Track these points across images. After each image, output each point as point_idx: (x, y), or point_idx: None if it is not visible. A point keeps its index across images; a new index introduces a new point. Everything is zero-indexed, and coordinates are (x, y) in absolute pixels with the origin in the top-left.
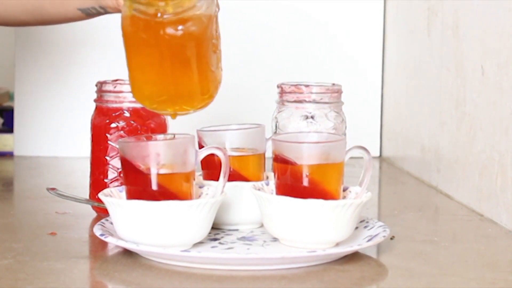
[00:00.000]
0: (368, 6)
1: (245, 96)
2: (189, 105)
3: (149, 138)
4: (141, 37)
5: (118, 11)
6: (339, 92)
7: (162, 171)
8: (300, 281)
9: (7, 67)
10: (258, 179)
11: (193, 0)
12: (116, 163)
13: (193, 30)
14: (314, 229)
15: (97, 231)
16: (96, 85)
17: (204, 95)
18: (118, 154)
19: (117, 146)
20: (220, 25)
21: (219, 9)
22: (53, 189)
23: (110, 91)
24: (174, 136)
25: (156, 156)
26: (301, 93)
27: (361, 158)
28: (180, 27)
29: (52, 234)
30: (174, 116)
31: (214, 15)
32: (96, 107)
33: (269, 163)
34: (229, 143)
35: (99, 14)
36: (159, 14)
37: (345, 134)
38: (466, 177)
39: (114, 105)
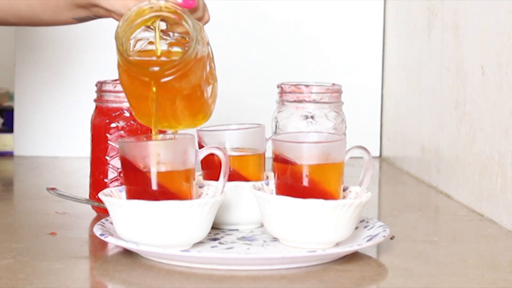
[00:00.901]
0: (368, 6)
1: (245, 96)
2: (189, 127)
3: (149, 138)
4: (136, 87)
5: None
6: (339, 92)
7: (162, 171)
8: (300, 281)
9: (7, 67)
10: (258, 179)
11: (185, 58)
12: (116, 163)
13: (187, 80)
14: (314, 229)
15: (97, 231)
16: (96, 85)
17: (202, 119)
18: (118, 154)
19: (117, 146)
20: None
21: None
22: (53, 189)
23: (110, 91)
24: (174, 136)
25: (156, 156)
26: (301, 93)
27: (361, 158)
28: (175, 83)
29: (52, 234)
30: (175, 132)
31: (206, 55)
32: (96, 107)
33: (269, 163)
34: (229, 143)
35: (93, 19)
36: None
37: (345, 134)
38: (466, 177)
39: (114, 105)
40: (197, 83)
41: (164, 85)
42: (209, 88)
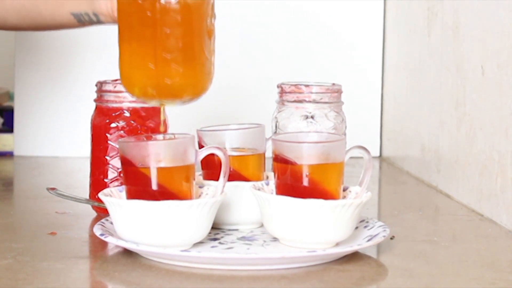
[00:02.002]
0: (368, 6)
1: (245, 96)
2: (179, 93)
3: (149, 138)
4: (136, 17)
5: (112, 20)
6: (339, 92)
7: (162, 171)
8: (300, 281)
9: (7, 67)
10: (258, 179)
11: None
12: (116, 163)
13: (189, 2)
14: (314, 229)
15: (97, 231)
16: (96, 85)
17: (198, 89)
18: (118, 154)
19: (117, 146)
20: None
21: None
22: (53, 189)
23: (110, 91)
24: (174, 136)
25: (156, 156)
26: (301, 93)
27: (361, 158)
28: (177, 12)
29: (52, 234)
30: (162, 105)
31: (210, 4)
32: (96, 107)
33: (269, 163)
34: (229, 143)
35: (91, 22)
36: None
37: (345, 134)
38: (466, 177)
39: (114, 105)
40: (197, 17)
41: (165, 14)
42: (208, 45)
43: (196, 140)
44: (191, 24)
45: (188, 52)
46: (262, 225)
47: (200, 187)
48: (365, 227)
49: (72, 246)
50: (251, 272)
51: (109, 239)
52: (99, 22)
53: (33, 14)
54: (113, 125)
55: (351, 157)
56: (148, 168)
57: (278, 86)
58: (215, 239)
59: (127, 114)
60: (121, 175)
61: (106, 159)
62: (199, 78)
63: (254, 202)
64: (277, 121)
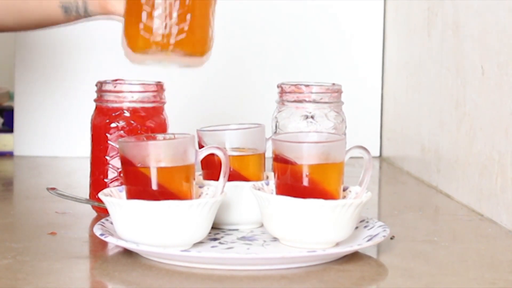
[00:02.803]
0: (368, 6)
1: (245, 96)
2: (183, 47)
3: (149, 138)
4: None
5: (100, 11)
6: (339, 92)
7: (162, 171)
8: (300, 281)
9: (7, 67)
10: (258, 179)
11: None
12: (116, 163)
13: None
14: (314, 229)
15: (97, 231)
16: (96, 85)
17: (199, 38)
18: (118, 154)
19: (117, 146)
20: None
21: None
22: (53, 189)
23: (110, 91)
24: (174, 136)
25: (156, 156)
26: (301, 93)
27: (361, 158)
28: None
29: (52, 234)
30: (162, 63)
31: None
32: (96, 107)
33: (269, 163)
34: (229, 143)
35: (77, 14)
36: None
37: (345, 134)
38: (466, 177)
39: (114, 105)
40: None
41: None
42: (214, 8)
43: (196, 140)
44: None
45: (195, 12)
46: (262, 225)
47: (200, 187)
48: (365, 227)
49: (72, 246)
50: (251, 272)
51: (109, 239)
52: (86, 13)
53: (19, 8)
54: (113, 125)
55: (351, 157)
56: (148, 168)
57: (278, 86)
58: (215, 239)
59: (127, 114)
60: (121, 175)
61: (106, 159)
62: (203, 38)
63: (254, 202)
64: (277, 121)
